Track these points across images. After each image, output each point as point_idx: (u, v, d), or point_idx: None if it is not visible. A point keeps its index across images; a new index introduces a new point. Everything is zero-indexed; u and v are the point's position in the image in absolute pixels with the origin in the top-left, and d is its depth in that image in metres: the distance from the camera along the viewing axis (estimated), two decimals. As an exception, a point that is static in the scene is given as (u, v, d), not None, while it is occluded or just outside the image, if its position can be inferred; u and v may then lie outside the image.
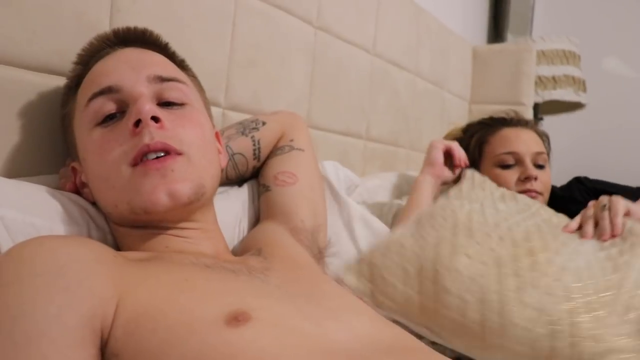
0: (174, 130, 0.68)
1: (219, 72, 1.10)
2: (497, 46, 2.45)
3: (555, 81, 2.44)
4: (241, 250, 0.85)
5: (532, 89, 2.26)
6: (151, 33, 0.79)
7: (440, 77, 2.02)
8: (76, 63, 0.76)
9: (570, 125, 3.16)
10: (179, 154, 0.67)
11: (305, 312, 0.59)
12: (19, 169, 0.78)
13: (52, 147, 0.81)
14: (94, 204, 0.75)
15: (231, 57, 1.12)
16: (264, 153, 0.97)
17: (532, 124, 1.46)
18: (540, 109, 2.55)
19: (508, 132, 1.41)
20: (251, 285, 0.62)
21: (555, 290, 0.87)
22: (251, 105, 1.18)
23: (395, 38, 1.71)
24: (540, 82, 2.42)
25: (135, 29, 0.78)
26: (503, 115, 1.48)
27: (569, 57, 2.49)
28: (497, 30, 3.04)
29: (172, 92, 0.72)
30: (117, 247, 0.75)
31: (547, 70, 2.44)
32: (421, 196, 1.26)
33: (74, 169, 0.75)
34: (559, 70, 2.45)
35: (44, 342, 0.46)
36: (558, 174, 1.48)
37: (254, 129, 0.96)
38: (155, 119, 0.66)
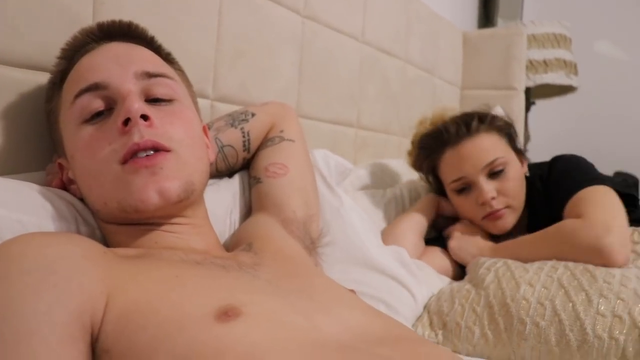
0: (162, 127, 0.67)
1: (206, 64, 1.09)
2: (487, 31, 2.44)
3: (546, 65, 2.43)
4: (233, 243, 0.85)
5: (523, 73, 2.26)
6: (136, 26, 0.78)
7: (430, 63, 2.01)
8: (60, 58, 0.75)
9: (562, 109, 3.16)
10: (168, 150, 0.66)
11: (296, 306, 0.59)
12: (4, 166, 0.77)
13: (38, 143, 0.80)
14: (82, 199, 0.74)
15: (218, 48, 1.11)
16: (253, 145, 0.97)
17: (477, 126, 1.29)
18: (532, 93, 2.55)
19: (450, 155, 1.29)
20: (242, 280, 0.62)
21: (626, 295, 0.89)
22: (240, 96, 1.17)
23: (384, 25, 1.70)
24: (532, 66, 2.42)
25: (120, 22, 0.76)
26: (443, 127, 1.33)
27: (560, 40, 2.48)
28: (487, 15, 3.03)
29: (160, 88, 0.71)
30: (106, 243, 0.74)
31: (538, 54, 2.43)
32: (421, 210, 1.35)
33: (60, 165, 0.75)
34: (550, 53, 2.45)
35: (33, 339, 0.47)
36: (550, 157, 1.45)
37: (243, 120, 0.96)
38: (144, 117, 0.66)
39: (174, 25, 1.01)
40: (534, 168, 1.37)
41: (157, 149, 0.65)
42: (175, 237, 0.70)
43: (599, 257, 1.02)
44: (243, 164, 0.99)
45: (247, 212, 0.96)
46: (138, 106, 0.65)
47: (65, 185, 0.75)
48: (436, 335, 1.00)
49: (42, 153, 0.81)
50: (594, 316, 0.87)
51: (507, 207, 1.27)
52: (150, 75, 0.71)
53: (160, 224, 0.70)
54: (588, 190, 1.16)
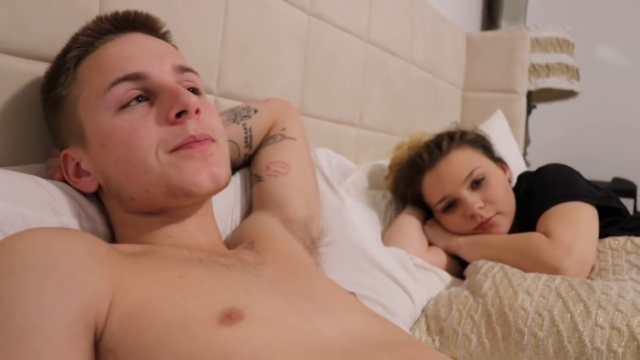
0: (205, 120, 0.70)
1: (211, 60, 1.09)
2: (491, 33, 2.43)
3: (548, 69, 2.43)
4: (234, 241, 0.85)
5: (525, 77, 2.25)
6: (155, 19, 0.77)
7: (434, 64, 2.01)
8: (74, 43, 0.72)
9: (563, 113, 3.16)
10: (213, 140, 0.69)
11: (297, 308, 0.59)
12: (5, 158, 0.77)
13: (40, 135, 0.80)
14: (83, 193, 0.73)
15: (223, 45, 1.10)
16: (255, 141, 0.97)
17: (447, 145, 1.32)
18: (533, 97, 2.55)
19: (430, 179, 1.32)
20: (244, 281, 0.62)
21: (624, 307, 0.87)
22: (243, 93, 1.16)
23: (389, 25, 1.69)
24: (534, 69, 2.41)
25: (139, 13, 0.76)
26: (416, 155, 1.35)
27: (562, 45, 2.48)
28: (491, 18, 3.03)
29: (191, 83, 0.73)
30: (111, 237, 0.74)
31: (540, 58, 2.43)
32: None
33: (65, 157, 0.72)
34: (553, 58, 2.44)
35: (37, 336, 0.46)
36: (550, 162, 1.45)
37: (245, 116, 0.95)
38: (197, 111, 0.68)
39: (180, 20, 1.00)
40: (521, 179, 1.39)
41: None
42: (185, 231, 0.71)
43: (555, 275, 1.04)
44: (244, 160, 0.99)
45: (249, 210, 0.95)
46: (195, 100, 0.67)
47: (70, 179, 0.72)
48: (433, 340, 0.99)
49: (45, 144, 0.80)
50: (592, 328, 0.86)
51: (498, 213, 1.28)
52: (183, 70, 0.73)
53: (179, 217, 0.71)
54: (559, 207, 1.18)
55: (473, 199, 1.27)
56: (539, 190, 1.28)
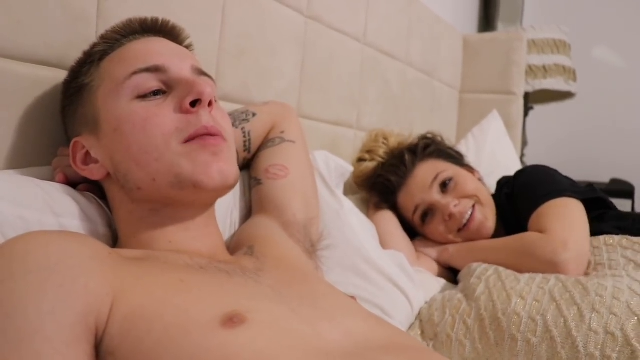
0: (217, 119, 0.70)
1: (208, 62, 1.09)
2: (487, 35, 2.44)
3: (545, 70, 2.44)
4: (234, 245, 0.85)
5: (522, 78, 2.26)
6: (180, 29, 0.80)
7: (430, 66, 2.01)
8: (102, 38, 0.75)
9: (560, 114, 3.17)
10: (224, 139, 0.70)
11: (299, 313, 0.59)
12: (4, 161, 0.76)
13: (39, 138, 0.80)
14: (83, 194, 0.73)
15: (221, 47, 1.11)
16: (254, 145, 0.97)
17: (411, 160, 1.35)
18: (530, 98, 2.55)
19: (402, 197, 1.35)
20: (245, 286, 0.62)
21: (619, 309, 0.86)
22: (241, 95, 1.17)
23: (386, 27, 1.69)
24: (531, 71, 2.42)
25: (168, 22, 0.79)
26: (383, 179, 1.36)
27: (559, 46, 2.49)
28: (487, 19, 3.04)
29: (208, 88, 0.73)
30: (112, 239, 0.74)
31: (537, 59, 2.43)
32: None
33: (76, 145, 0.72)
34: (550, 59, 2.45)
35: (37, 339, 0.46)
36: (547, 163, 1.45)
37: (244, 120, 0.96)
38: (210, 103, 0.69)
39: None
40: (500, 184, 1.40)
41: (218, 136, 0.69)
42: (186, 237, 0.70)
43: (554, 271, 1.05)
44: (243, 164, 0.99)
45: (248, 212, 0.96)
46: (210, 91, 0.68)
47: (78, 166, 0.72)
48: (427, 345, 0.98)
49: (43, 148, 0.80)
50: (586, 333, 0.85)
51: (474, 204, 1.28)
52: (201, 73, 0.74)
53: (182, 218, 0.70)
54: (548, 205, 1.19)
55: (446, 200, 1.28)
56: (522, 193, 1.29)
